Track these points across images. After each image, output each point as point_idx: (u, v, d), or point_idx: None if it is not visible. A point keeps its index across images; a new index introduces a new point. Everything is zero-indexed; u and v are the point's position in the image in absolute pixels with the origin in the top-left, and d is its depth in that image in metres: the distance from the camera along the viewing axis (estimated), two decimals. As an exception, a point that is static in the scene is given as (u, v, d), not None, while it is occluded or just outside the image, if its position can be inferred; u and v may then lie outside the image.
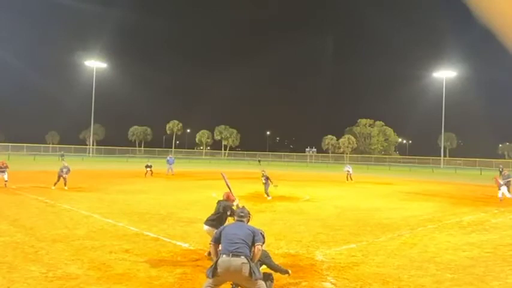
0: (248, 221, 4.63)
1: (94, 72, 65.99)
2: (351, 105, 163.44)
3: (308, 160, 79.38)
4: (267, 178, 15.86)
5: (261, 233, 4.31)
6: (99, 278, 5.38)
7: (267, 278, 4.66)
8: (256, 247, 4.15)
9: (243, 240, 4.08)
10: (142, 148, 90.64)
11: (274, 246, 7.41)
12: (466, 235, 9.15)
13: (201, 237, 8.13)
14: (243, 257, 3.97)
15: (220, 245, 4.23)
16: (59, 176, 16.70)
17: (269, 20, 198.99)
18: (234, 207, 6.11)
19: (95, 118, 69.19)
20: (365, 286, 5.39)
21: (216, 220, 6.32)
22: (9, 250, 6.65)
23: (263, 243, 4.25)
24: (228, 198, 6.81)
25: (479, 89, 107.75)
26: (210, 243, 4.28)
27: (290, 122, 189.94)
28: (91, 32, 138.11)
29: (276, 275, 5.71)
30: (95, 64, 65.94)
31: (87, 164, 40.82)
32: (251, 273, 3.92)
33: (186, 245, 7.39)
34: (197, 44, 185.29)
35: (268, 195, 15.52)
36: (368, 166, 57.93)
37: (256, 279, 3.96)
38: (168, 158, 30.42)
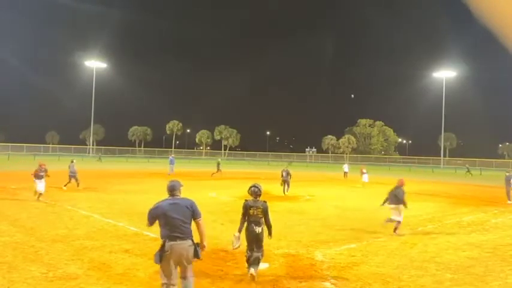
0: (180, 191, 4.48)
1: (94, 72, 66.04)
2: (351, 105, 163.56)
3: (308, 160, 79.35)
4: (288, 174, 17.55)
5: (195, 202, 4.41)
6: (99, 278, 5.38)
7: (256, 261, 5.53)
8: (198, 223, 4.31)
9: (185, 221, 4.19)
10: (142, 148, 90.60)
11: (274, 246, 7.41)
12: (466, 235, 9.15)
13: (201, 237, 8.14)
14: (189, 240, 4.17)
15: (160, 226, 4.23)
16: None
17: (269, 20, 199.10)
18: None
19: (95, 118, 69.30)
20: (365, 286, 5.39)
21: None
22: (9, 250, 6.65)
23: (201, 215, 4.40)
24: (402, 184, 9.52)
25: (479, 89, 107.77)
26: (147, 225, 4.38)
27: (290, 122, 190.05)
28: (91, 32, 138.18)
29: (274, 275, 5.72)
30: (95, 64, 65.97)
31: (87, 164, 40.80)
32: (196, 254, 4.20)
33: (186, 245, 7.39)
34: (197, 44, 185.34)
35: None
36: (368, 166, 57.88)
37: (196, 258, 4.25)
38: (171, 157, 30.38)
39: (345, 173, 31.17)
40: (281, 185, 17.43)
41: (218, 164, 28.72)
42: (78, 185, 16.54)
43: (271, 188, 17.48)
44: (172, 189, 4.41)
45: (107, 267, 5.86)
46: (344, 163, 38.32)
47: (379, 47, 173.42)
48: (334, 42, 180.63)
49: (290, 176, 17.57)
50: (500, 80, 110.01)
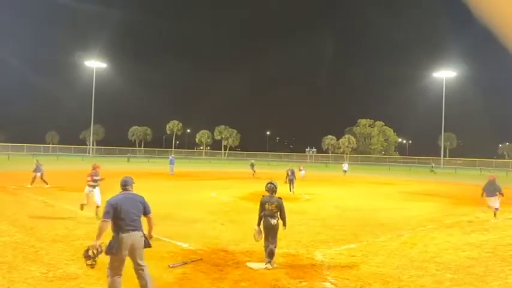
0: (133, 187, 4.76)
1: (94, 72, 65.98)
2: (351, 105, 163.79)
3: (308, 160, 79.33)
4: (293, 173, 18.20)
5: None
6: (99, 278, 5.37)
7: (271, 255, 6.06)
8: (149, 218, 4.68)
9: (138, 215, 4.51)
10: (142, 148, 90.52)
11: (274, 246, 7.42)
12: (466, 235, 9.15)
13: (201, 237, 8.14)
14: (140, 231, 4.50)
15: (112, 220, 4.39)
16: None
17: (269, 20, 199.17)
18: None
19: (95, 118, 69.25)
20: (365, 286, 5.39)
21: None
22: (9, 250, 6.65)
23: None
24: (494, 178, 11.79)
25: (479, 89, 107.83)
26: (103, 220, 4.38)
27: (290, 122, 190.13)
28: (91, 32, 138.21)
29: (274, 275, 5.72)
30: (95, 64, 65.91)
31: (87, 164, 40.79)
32: (146, 244, 4.55)
33: (186, 245, 7.39)
34: (197, 44, 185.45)
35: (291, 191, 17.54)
36: (368, 166, 57.88)
37: (146, 247, 4.57)
38: (171, 157, 30.25)
39: (344, 171, 33.87)
40: (285, 182, 17.84)
41: (252, 165, 29.35)
42: (31, 184, 16.77)
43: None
44: (125, 184, 4.69)
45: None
46: (343, 162, 41.27)
47: (379, 47, 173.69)
48: (334, 42, 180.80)
49: (295, 175, 18.13)
50: (500, 80, 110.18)
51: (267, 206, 6.19)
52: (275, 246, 6.14)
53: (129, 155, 59.70)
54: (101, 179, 10.50)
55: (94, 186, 10.17)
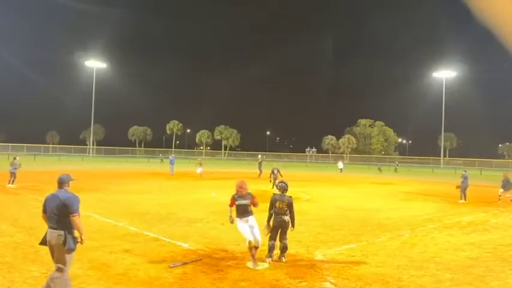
0: (69, 185, 4.74)
1: (94, 72, 66.00)
2: (351, 105, 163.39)
3: (308, 160, 79.33)
4: (278, 171, 19.48)
5: (76, 199, 4.56)
6: (99, 278, 5.38)
7: (285, 250, 6.39)
8: (71, 219, 4.50)
9: (56, 213, 4.48)
10: (142, 148, 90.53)
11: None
12: (466, 235, 9.16)
13: (201, 237, 8.14)
14: (60, 230, 4.45)
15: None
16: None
17: (269, 20, 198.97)
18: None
19: (95, 118, 69.26)
20: (365, 286, 5.39)
21: None
22: (9, 250, 6.66)
23: (78, 212, 4.54)
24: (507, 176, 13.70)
25: (479, 89, 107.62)
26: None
27: (290, 122, 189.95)
28: (91, 32, 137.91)
29: (274, 275, 5.72)
30: (95, 64, 65.94)
31: (87, 164, 40.82)
32: (64, 242, 4.44)
33: (186, 245, 7.39)
34: (197, 44, 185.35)
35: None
36: (368, 166, 57.84)
37: (68, 249, 4.44)
38: (171, 157, 30.16)
39: (340, 169, 36.14)
40: (270, 181, 19.30)
41: (260, 163, 27.76)
42: (12, 182, 16.69)
43: (271, 187, 17.48)
44: (60, 182, 4.72)
45: (107, 267, 5.86)
46: (339, 161, 43.02)
47: (380, 47, 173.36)
48: (334, 42, 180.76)
49: (275, 175, 19.51)
50: (500, 80, 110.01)
51: (278, 204, 6.42)
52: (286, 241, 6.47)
53: (161, 155, 59.06)
54: (252, 203, 6.36)
55: (245, 214, 6.28)
